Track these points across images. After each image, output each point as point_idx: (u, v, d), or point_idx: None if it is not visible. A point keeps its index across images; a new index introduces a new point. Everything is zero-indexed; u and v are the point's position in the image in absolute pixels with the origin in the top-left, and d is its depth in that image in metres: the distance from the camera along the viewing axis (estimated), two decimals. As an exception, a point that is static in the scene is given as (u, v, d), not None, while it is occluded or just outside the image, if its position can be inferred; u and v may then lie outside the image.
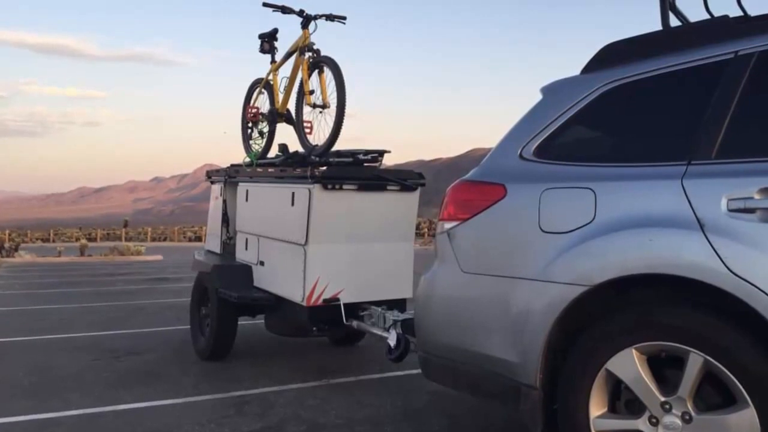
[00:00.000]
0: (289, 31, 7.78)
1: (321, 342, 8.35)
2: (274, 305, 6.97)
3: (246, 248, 7.65)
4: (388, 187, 6.68)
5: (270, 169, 7.65)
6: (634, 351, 3.09)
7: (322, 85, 7.19)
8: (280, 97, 8.09)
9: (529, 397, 3.46)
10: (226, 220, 8.54)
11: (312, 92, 7.27)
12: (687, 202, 3.02)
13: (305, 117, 7.57)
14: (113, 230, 72.73)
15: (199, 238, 60.43)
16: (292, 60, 7.78)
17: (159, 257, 35.36)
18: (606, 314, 3.25)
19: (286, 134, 8.12)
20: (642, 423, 3.09)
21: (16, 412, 5.65)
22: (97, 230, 71.91)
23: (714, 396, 2.93)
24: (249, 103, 8.83)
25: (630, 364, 3.10)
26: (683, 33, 3.72)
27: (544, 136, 3.85)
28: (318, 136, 7.32)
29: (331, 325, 6.59)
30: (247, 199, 7.73)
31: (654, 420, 3.05)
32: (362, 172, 6.79)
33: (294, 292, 6.51)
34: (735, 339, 2.81)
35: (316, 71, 7.27)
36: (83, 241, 42.42)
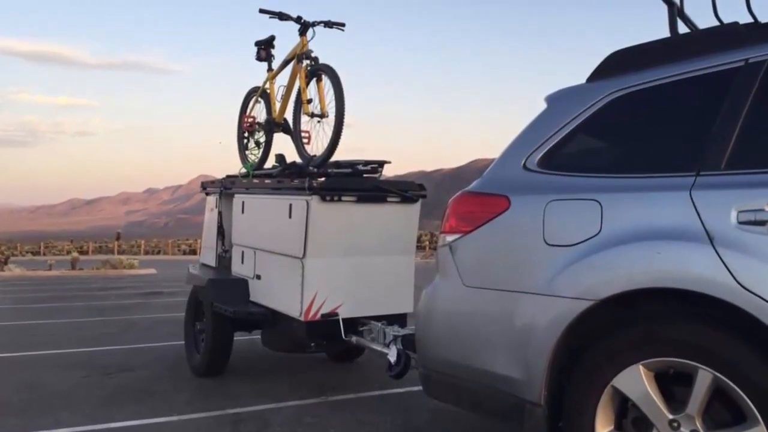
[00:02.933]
0: (287, 39, 7.79)
1: (319, 358, 8.34)
2: (270, 320, 6.96)
3: (242, 261, 7.64)
4: (389, 199, 6.68)
5: (267, 181, 7.65)
6: (641, 367, 3.09)
7: (321, 93, 7.19)
8: (277, 106, 8.10)
9: (533, 414, 3.46)
10: (222, 232, 8.53)
11: (310, 101, 7.28)
12: (696, 214, 3.02)
13: (303, 126, 7.59)
14: (105, 243, 72.70)
15: (193, 252, 60.41)
16: (289, 68, 7.80)
17: (152, 271, 35.34)
18: (612, 329, 3.25)
19: (283, 144, 8.14)
20: (650, 441, 3.09)
21: (4, 430, 5.64)
22: (89, 243, 71.88)
23: (724, 413, 2.92)
24: (245, 112, 8.85)
25: (637, 381, 3.10)
26: (692, 40, 3.73)
27: (549, 147, 3.86)
28: (316, 147, 7.34)
29: (330, 341, 6.58)
30: (243, 211, 7.73)
31: (662, 438, 3.05)
32: (362, 183, 6.79)
33: (291, 307, 6.50)
34: (745, 355, 2.81)
35: (315, 79, 7.28)
36: (74, 254, 42.37)
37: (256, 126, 8.60)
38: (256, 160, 8.45)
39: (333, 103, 6.89)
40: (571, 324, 3.30)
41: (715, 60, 3.37)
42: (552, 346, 3.36)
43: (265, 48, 8.30)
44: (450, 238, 4.07)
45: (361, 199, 6.53)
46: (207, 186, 9.20)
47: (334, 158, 7.02)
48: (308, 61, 7.35)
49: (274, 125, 8.13)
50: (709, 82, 3.39)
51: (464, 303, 3.95)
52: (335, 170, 6.98)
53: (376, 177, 7.01)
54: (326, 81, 7.12)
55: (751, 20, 3.70)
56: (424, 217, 7.25)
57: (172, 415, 6.04)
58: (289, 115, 7.88)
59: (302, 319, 6.33)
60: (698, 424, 2.94)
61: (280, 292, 6.75)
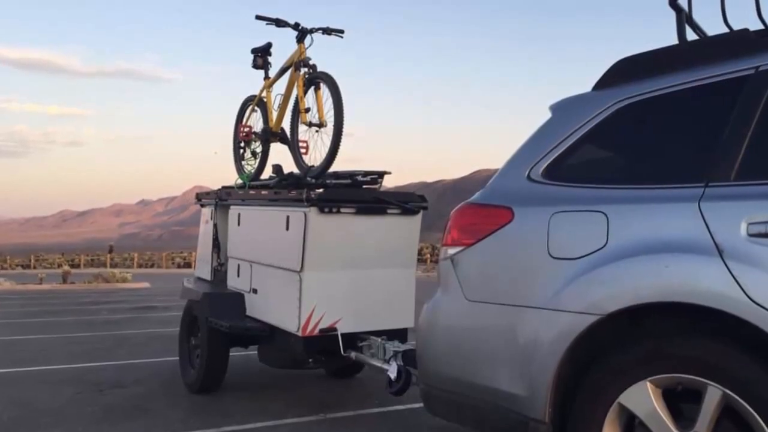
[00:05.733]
0: (284, 46, 7.82)
1: (317, 374, 8.33)
2: (267, 335, 6.96)
3: (238, 275, 7.64)
4: (389, 211, 6.69)
5: (263, 192, 7.65)
6: (648, 384, 3.08)
7: (319, 102, 7.20)
8: (274, 115, 8.10)
9: (538, 432, 3.45)
10: (217, 245, 8.53)
11: (308, 110, 7.28)
12: (704, 226, 3.01)
13: (301, 136, 7.58)
14: (98, 256, 72.71)
15: (188, 265, 60.39)
16: (286, 76, 7.80)
17: (146, 284, 35.33)
18: (619, 345, 3.24)
19: (280, 155, 8.15)
20: (657, 460, 3.08)
21: (-7, 449, 5.63)
22: (81, 256, 71.87)
23: (733, 431, 2.92)
24: (241, 121, 8.85)
25: (644, 398, 3.09)
26: (701, 47, 3.73)
27: (554, 157, 3.85)
28: (314, 157, 7.34)
29: (329, 357, 6.58)
30: (239, 223, 7.73)
31: (670, 457, 3.03)
32: (361, 194, 6.79)
33: (289, 322, 6.49)
34: (755, 371, 2.80)
35: (312, 88, 7.29)
36: (66, 267, 42.36)
37: (253, 136, 8.61)
38: (253, 171, 8.46)
39: (331, 112, 6.89)
40: (577, 339, 3.29)
41: (725, 68, 3.37)
42: (557, 361, 3.35)
43: (261, 55, 8.31)
44: (452, 250, 4.07)
45: (361, 211, 6.54)
46: (202, 197, 9.20)
47: (333, 169, 7.02)
48: (306, 69, 7.36)
49: (271, 135, 8.13)
50: (719, 91, 3.38)
51: (466, 318, 3.94)
52: (334, 181, 6.98)
53: (376, 188, 7.01)
54: (325, 89, 7.12)
55: (761, 27, 3.70)
56: (425, 230, 7.25)
57: (166, 433, 6.04)
58: (286, 124, 7.88)
59: (300, 334, 6.32)
60: (707, 443, 2.93)
61: (278, 306, 6.75)
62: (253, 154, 8.62)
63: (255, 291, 7.22)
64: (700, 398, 2.92)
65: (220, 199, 8.50)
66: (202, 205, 9.17)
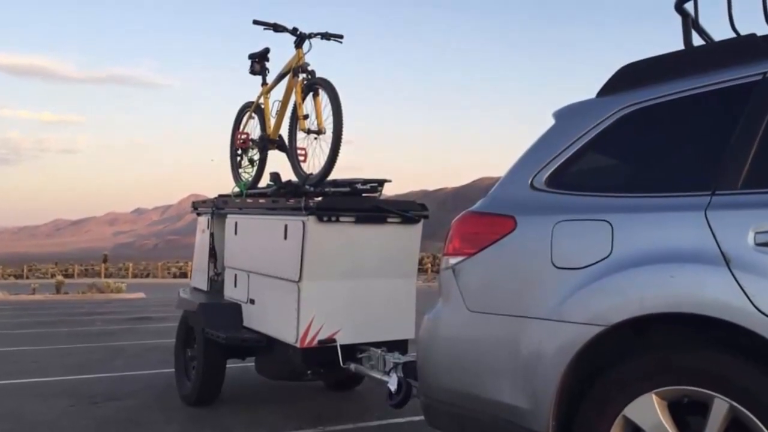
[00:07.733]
0: (282, 51, 7.83)
1: (316, 386, 8.32)
2: (265, 347, 6.94)
3: (235, 285, 7.63)
4: (389, 219, 6.68)
5: (261, 200, 7.65)
6: (653, 396, 3.07)
7: (318, 109, 7.20)
8: (272, 121, 8.10)
9: (541, 446, 3.44)
10: (214, 254, 8.52)
11: (306, 117, 7.29)
12: (711, 236, 3.01)
13: (299, 143, 7.59)
14: (92, 266, 72.62)
15: (184, 275, 60.36)
16: (284, 82, 7.80)
17: (141, 295, 35.29)
18: (624, 356, 3.23)
19: (278, 162, 8.15)
20: (663, 474, 3.07)
21: (-15, 462, 5.62)
22: (75, 266, 71.80)
23: (741, 445, 2.90)
24: (238, 128, 8.85)
25: (649, 411, 3.08)
26: (707, 53, 3.73)
27: (557, 165, 3.85)
28: (313, 164, 7.34)
29: (327, 368, 6.56)
30: (236, 232, 7.72)
31: (676, 471, 3.02)
32: (361, 202, 6.79)
33: (287, 333, 6.48)
34: (763, 383, 2.79)
35: (311, 94, 7.28)
36: (59, 277, 42.29)
37: (250, 143, 8.60)
38: (250, 179, 8.45)
39: (330, 119, 6.89)
40: (581, 351, 3.28)
41: (732, 73, 3.37)
42: (560, 373, 3.34)
43: (259, 61, 8.30)
44: (453, 260, 4.06)
45: (360, 220, 6.53)
46: (198, 206, 9.19)
47: (332, 177, 7.01)
48: (304, 75, 7.35)
49: (268, 142, 8.13)
50: (725, 97, 3.38)
51: (468, 329, 3.93)
52: (333, 189, 6.98)
53: (376, 196, 7.01)
54: (323, 96, 7.12)
55: (768, 32, 3.70)
56: (426, 239, 7.24)
57: (160, 446, 6.03)
58: (284, 131, 7.88)
59: (298, 345, 6.31)
60: (714, 456, 2.92)
61: (275, 317, 6.74)
62: (251, 161, 8.62)
63: (252, 301, 7.21)
64: (706, 411, 2.92)
65: (217, 208, 8.50)
66: (199, 214, 9.16)
